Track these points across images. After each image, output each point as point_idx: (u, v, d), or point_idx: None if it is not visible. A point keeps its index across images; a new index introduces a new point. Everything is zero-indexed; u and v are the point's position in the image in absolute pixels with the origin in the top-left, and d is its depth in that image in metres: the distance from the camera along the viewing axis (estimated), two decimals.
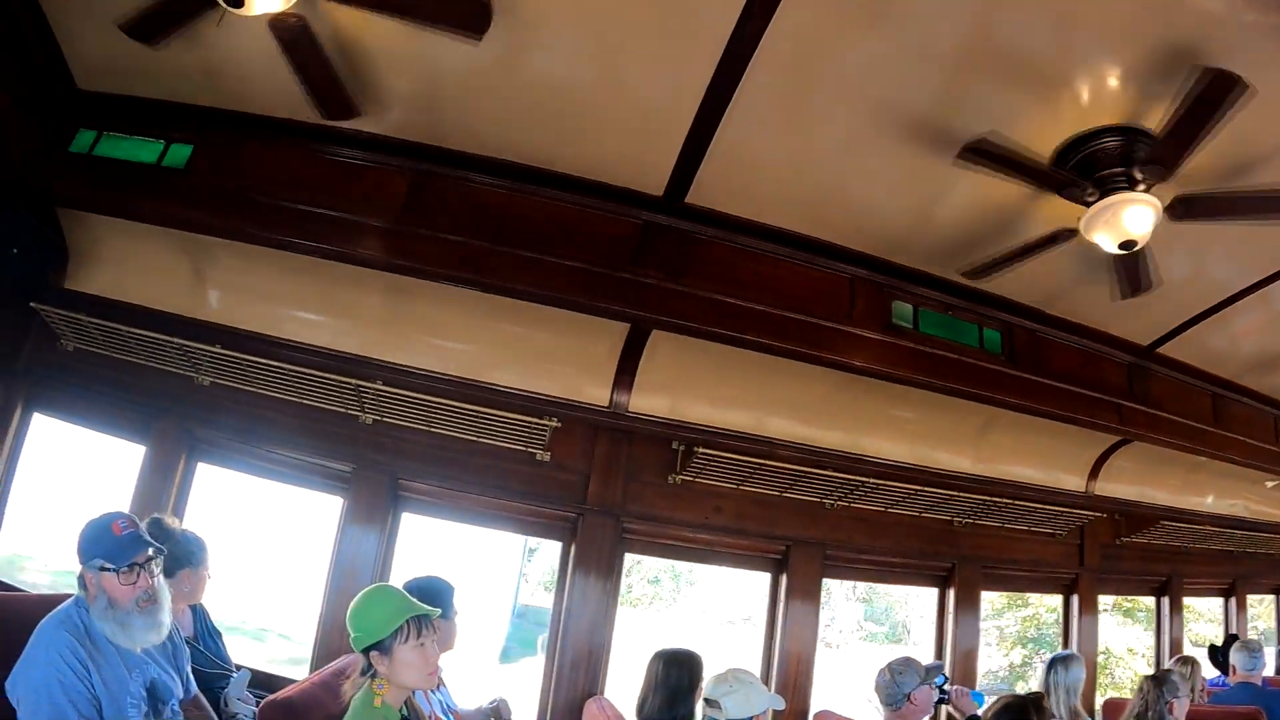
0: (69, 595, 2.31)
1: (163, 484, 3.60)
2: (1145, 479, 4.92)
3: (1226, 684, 4.49)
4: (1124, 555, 4.94)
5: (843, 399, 3.82)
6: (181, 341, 3.46)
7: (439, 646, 2.74)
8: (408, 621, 2.19)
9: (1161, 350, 4.48)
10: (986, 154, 2.87)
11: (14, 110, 3.33)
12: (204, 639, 3.14)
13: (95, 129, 3.54)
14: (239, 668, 3.17)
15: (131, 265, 3.76)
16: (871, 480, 3.82)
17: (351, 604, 2.22)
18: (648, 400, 3.70)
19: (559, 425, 3.50)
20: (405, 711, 2.26)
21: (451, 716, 3.07)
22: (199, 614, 3.16)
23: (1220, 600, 6.09)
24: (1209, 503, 5.34)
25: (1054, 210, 3.10)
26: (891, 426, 4.04)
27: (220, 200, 3.33)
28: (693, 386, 3.74)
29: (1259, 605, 6.73)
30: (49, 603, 2.32)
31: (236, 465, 3.84)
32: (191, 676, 2.66)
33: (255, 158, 3.40)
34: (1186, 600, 5.54)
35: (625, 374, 3.61)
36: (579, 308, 3.22)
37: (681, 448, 3.79)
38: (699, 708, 2.76)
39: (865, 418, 3.97)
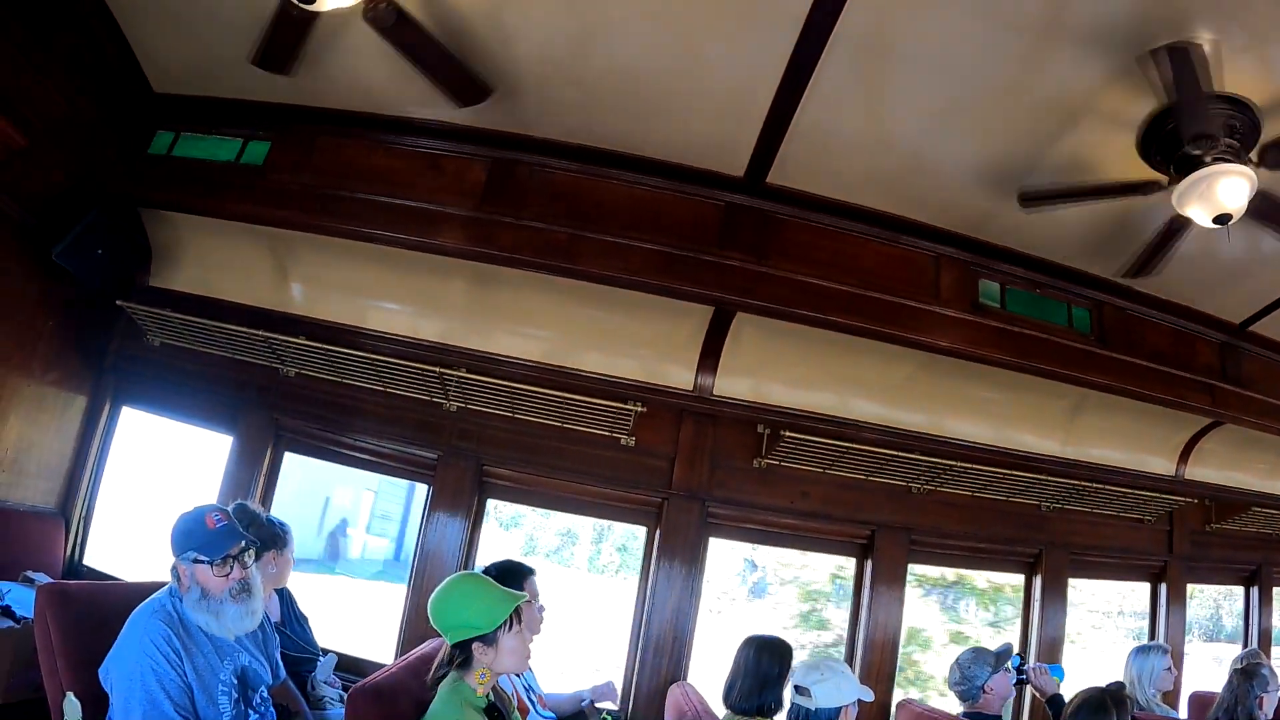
0: (162, 584, 2.35)
1: (250, 474, 3.68)
2: (1235, 463, 4.71)
3: None
4: (1213, 542, 4.73)
5: (927, 380, 3.73)
6: (266, 334, 3.52)
7: (530, 630, 2.77)
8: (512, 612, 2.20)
9: (1254, 329, 4.29)
10: (1043, 196, 2.90)
11: (94, 116, 3.45)
12: (290, 623, 3.20)
13: (173, 130, 3.64)
14: (325, 652, 3.22)
15: (214, 262, 3.85)
16: (959, 464, 3.72)
17: (443, 596, 2.19)
18: (732, 383, 3.66)
19: (643, 410, 3.48)
20: (492, 696, 2.27)
21: (535, 700, 3.08)
22: (285, 598, 3.22)
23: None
24: None
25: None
26: (977, 408, 3.94)
27: (300, 195, 3.40)
28: (776, 369, 3.69)
29: None
30: (142, 591, 2.36)
31: (322, 455, 3.90)
32: (280, 662, 2.70)
33: (333, 151, 3.45)
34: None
35: (709, 357, 3.57)
36: (663, 291, 3.20)
37: (767, 431, 3.74)
38: (787, 695, 2.71)
39: (950, 399, 3.87)
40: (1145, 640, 4.51)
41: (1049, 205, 3.11)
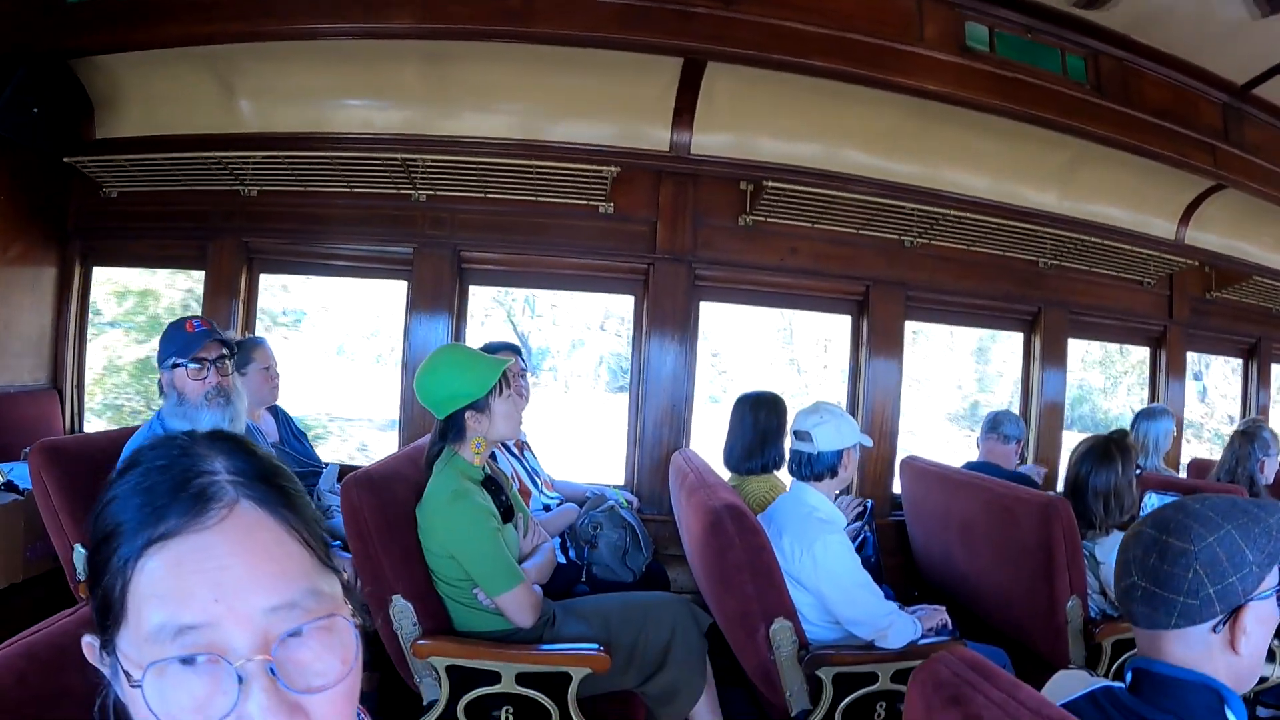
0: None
1: (227, 304, 3.61)
2: (1237, 232, 4.63)
3: None
4: (1213, 311, 4.69)
5: (914, 128, 3.57)
6: (219, 154, 3.36)
7: (521, 401, 2.75)
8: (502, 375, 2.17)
9: (1257, 92, 4.08)
10: None
11: None
12: (289, 441, 3.21)
13: None
14: (327, 464, 3.24)
15: (157, 98, 3.63)
16: (952, 213, 3.59)
17: (429, 370, 2.15)
18: (711, 139, 3.50)
19: (618, 172, 3.32)
20: (488, 469, 2.26)
21: (541, 485, 3.11)
22: (281, 416, 3.22)
23: None
24: None
25: None
26: (972, 159, 3.78)
27: (233, 4, 3.14)
28: (756, 122, 3.52)
29: None
30: (127, 435, 2.37)
31: (297, 269, 3.85)
32: None
33: None
34: None
35: (684, 113, 3.38)
36: (626, 46, 2.98)
37: (750, 187, 3.59)
38: (786, 443, 2.70)
39: (943, 149, 3.71)
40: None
41: None
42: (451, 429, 2.17)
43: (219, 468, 0.61)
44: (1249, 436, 3.67)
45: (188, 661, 0.55)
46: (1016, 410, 3.98)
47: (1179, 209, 4.33)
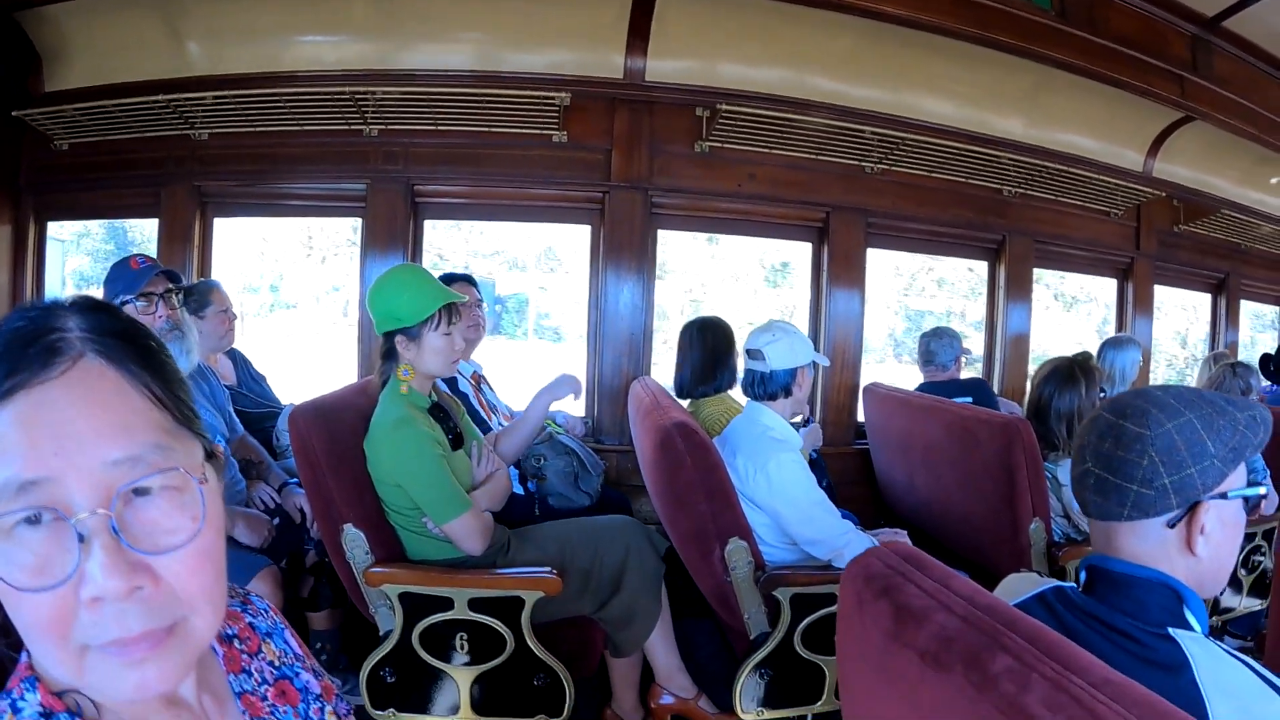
0: None
1: (182, 250, 3.54)
2: (1205, 166, 4.63)
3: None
4: (1181, 245, 4.69)
5: (875, 52, 3.52)
6: (167, 97, 3.28)
7: (476, 332, 2.69)
8: (441, 309, 2.11)
9: (1228, 24, 4.03)
10: None
11: None
12: (247, 383, 3.19)
13: None
14: (286, 405, 3.21)
15: (105, 46, 3.54)
16: (913, 138, 3.55)
17: (379, 284, 2.12)
18: (666, 65, 3.44)
19: (570, 99, 3.27)
20: (435, 397, 2.23)
21: (497, 414, 3.07)
22: (239, 360, 3.20)
23: None
24: (1273, 202, 5.01)
25: None
26: (934, 83, 3.73)
27: None
28: (713, 47, 3.45)
29: None
30: None
31: (251, 212, 3.78)
32: (235, 416, 2.74)
33: None
34: None
35: (638, 38, 3.32)
36: None
37: (706, 113, 3.52)
38: (739, 364, 2.66)
39: (904, 73, 3.66)
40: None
41: None
42: (385, 347, 2.16)
43: (71, 325, 0.59)
44: (1237, 375, 3.59)
45: (33, 521, 0.53)
46: (978, 341, 3.99)
47: (1147, 140, 4.31)
